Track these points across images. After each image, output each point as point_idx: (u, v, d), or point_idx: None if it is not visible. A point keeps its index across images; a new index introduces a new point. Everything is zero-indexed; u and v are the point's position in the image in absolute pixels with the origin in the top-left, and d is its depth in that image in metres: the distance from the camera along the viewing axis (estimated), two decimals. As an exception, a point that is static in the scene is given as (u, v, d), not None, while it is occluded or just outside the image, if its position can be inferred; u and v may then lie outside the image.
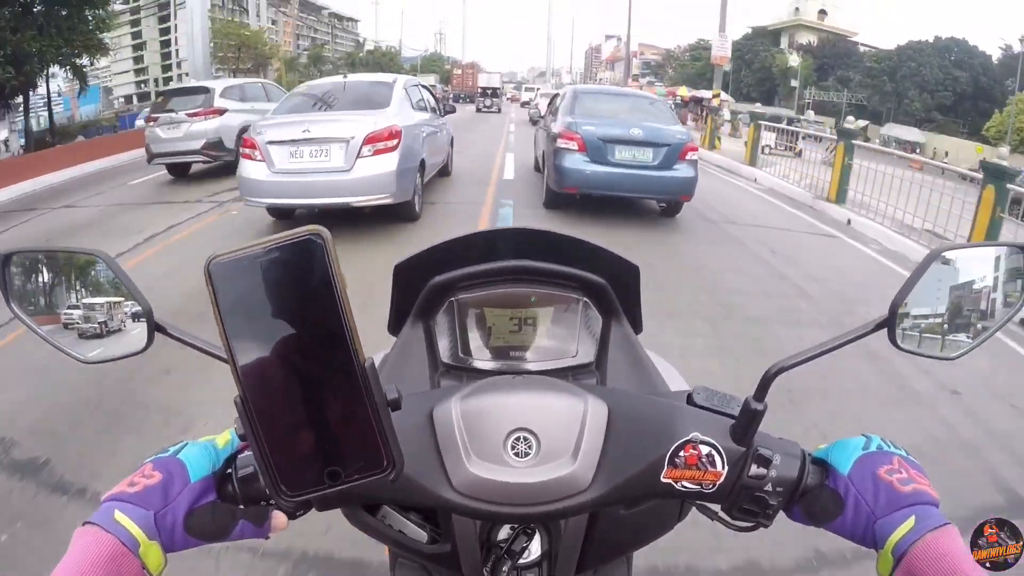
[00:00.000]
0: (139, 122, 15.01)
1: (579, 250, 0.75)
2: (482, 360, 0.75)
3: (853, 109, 40.33)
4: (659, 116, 6.40)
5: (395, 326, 0.78)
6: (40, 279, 0.55)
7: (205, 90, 8.92)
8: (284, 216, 5.70)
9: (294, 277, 0.35)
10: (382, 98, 5.54)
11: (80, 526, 0.43)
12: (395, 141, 5.01)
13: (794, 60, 46.36)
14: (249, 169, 5.09)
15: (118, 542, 0.42)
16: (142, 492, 0.45)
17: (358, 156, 4.87)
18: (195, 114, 8.43)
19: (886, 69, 41.26)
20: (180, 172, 8.95)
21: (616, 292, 0.74)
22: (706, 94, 29.32)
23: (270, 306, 0.35)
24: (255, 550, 1.82)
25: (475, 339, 0.75)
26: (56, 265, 0.55)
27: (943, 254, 0.51)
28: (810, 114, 22.03)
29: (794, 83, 43.90)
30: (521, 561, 0.58)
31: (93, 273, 0.54)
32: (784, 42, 51.61)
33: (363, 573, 1.79)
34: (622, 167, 5.81)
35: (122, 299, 0.53)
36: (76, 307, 0.54)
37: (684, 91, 32.36)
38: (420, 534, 0.61)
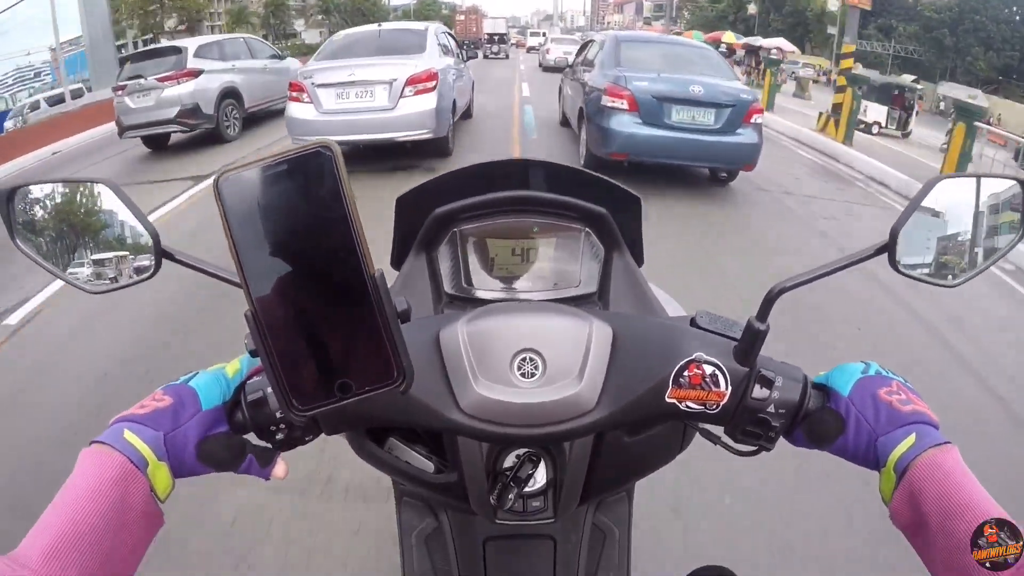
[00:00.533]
0: (8, 123, 12.55)
1: (581, 181, 0.75)
2: (485, 290, 0.75)
3: (899, 64, 35.65)
4: (717, 70, 5.49)
5: (398, 259, 0.78)
6: (46, 212, 0.53)
7: (176, 50, 7.82)
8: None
9: (303, 189, 0.34)
10: (417, 44, 6.03)
11: (86, 446, 0.43)
12: (433, 82, 5.54)
13: (833, 3, 40.85)
14: (297, 110, 5.61)
15: (127, 460, 0.42)
16: (152, 413, 0.46)
17: (401, 96, 5.40)
18: (166, 78, 7.34)
19: (946, 20, 35.42)
20: (158, 145, 7.86)
21: (618, 223, 0.74)
22: (764, 42, 26.05)
23: (280, 219, 0.35)
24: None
25: (478, 270, 0.76)
26: (61, 196, 0.54)
27: (944, 181, 0.51)
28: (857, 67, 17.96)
29: (831, 30, 37.80)
30: (527, 489, 0.58)
31: (99, 202, 0.53)
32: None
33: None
34: (679, 130, 4.97)
35: (127, 226, 0.52)
36: (82, 238, 0.53)
37: (731, 37, 29.05)
38: (426, 464, 0.62)
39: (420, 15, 50.53)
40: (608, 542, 0.75)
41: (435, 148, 5.96)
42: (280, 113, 6.64)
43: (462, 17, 54.66)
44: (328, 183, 0.34)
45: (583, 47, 7.34)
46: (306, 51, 26.23)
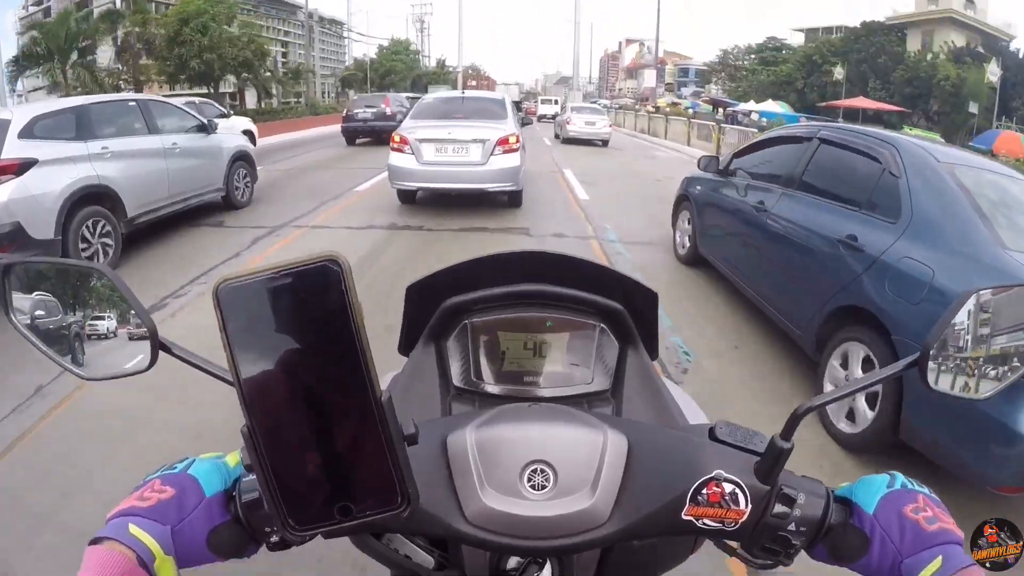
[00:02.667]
0: None
1: (596, 274, 0.75)
2: (495, 385, 0.74)
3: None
4: None
5: (406, 346, 0.78)
6: (42, 292, 0.52)
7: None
8: (408, 200, 7.32)
9: (307, 305, 0.33)
10: (499, 111, 7.31)
11: (89, 544, 0.42)
12: (517, 144, 6.74)
13: (948, 66, 32.20)
14: (400, 160, 6.75)
15: (134, 555, 0.41)
16: (156, 506, 0.45)
17: (491, 154, 6.56)
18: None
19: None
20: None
21: (633, 318, 0.74)
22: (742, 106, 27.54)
23: (281, 334, 0.34)
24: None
25: (488, 363, 0.75)
26: (57, 278, 0.52)
27: (977, 294, 0.51)
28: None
29: (973, 108, 30.74)
30: None
31: (95, 288, 0.52)
32: (914, 42, 38.08)
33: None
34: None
35: (123, 315, 0.51)
36: (77, 322, 0.52)
37: (777, 106, 28.47)
38: (427, 559, 0.60)
39: (436, 81, 51.20)
40: None
41: (513, 197, 7.11)
42: (201, 212, 6.23)
43: (473, 83, 55.77)
44: (335, 299, 0.33)
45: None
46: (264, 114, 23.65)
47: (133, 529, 0.43)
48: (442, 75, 57.97)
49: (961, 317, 0.51)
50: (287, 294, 0.34)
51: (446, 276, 0.75)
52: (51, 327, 0.52)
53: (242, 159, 7.21)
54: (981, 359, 0.53)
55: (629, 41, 76.63)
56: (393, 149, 6.85)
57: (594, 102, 35.65)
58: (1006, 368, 0.53)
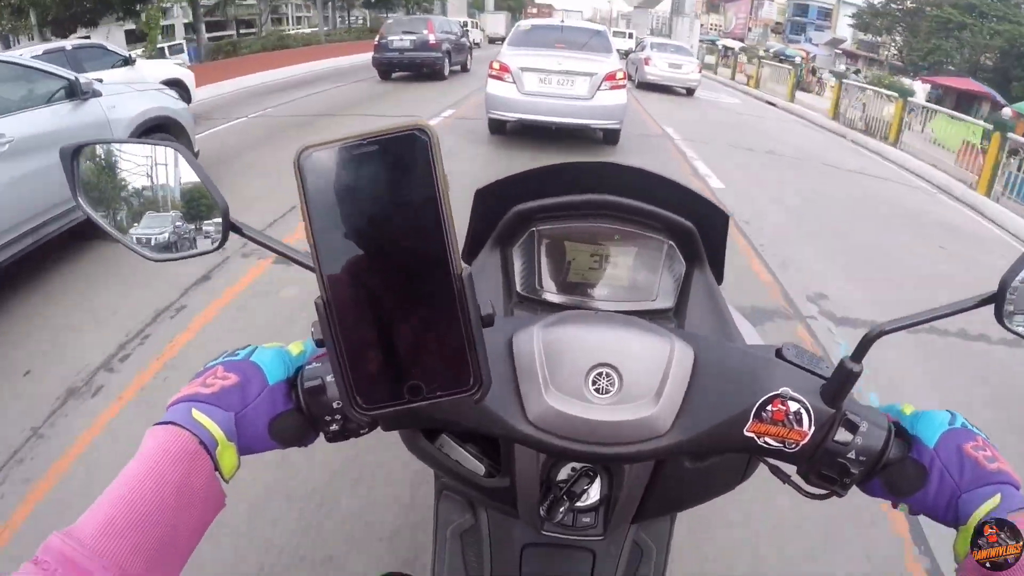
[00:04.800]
0: None
1: (669, 191, 0.73)
2: (558, 295, 0.74)
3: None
4: None
5: (470, 251, 0.78)
6: (111, 172, 0.52)
7: None
8: (499, 131, 7.13)
9: (393, 174, 0.32)
10: (603, 45, 6.97)
11: (150, 428, 0.42)
12: (624, 80, 6.45)
13: None
14: (500, 88, 6.55)
15: (196, 441, 0.41)
16: (220, 393, 0.45)
17: (598, 88, 6.30)
18: None
19: None
20: None
21: (703, 238, 0.72)
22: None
23: (364, 204, 0.33)
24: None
25: (553, 272, 0.74)
26: (128, 158, 0.51)
27: None
28: None
29: None
30: (579, 504, 0.57)
31: (168, 166, 0.51)
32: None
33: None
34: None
35: (194, 194, 0.50)
36: (147, 202, 0.51)
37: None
38: (478, 466, 0.61)
39: (477, 5, 43.85)
40: (645, 560, 0.73)
41: (609, 135, 6.89)
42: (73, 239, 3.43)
43: (534, 10, 51.63)
44: (421, 169, 0.32)
45: None
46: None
47: (196, 414, 0.43)
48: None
49: None
50: (372, 162, 0.32)
51: (516, 182, 0.74)
52: (120, 207, 0.52)
53: (159, 130, 4.33)
54: None
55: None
56: (492, 76, 6.65)
57: (712, 42, 29.57)
58: None
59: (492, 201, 0.75)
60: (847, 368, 0.48)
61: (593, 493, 0.58)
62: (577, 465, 0.58)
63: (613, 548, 0.69)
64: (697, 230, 0.72)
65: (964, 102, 22.12)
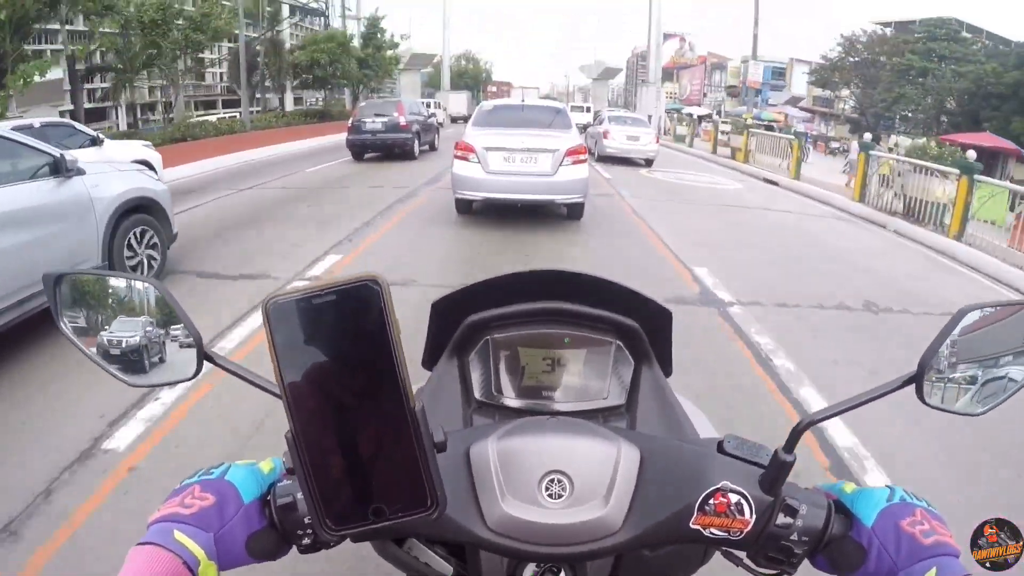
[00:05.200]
0: None
1: (613, 293, 0.77)
2: (514, 399, 0.77)
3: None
4: None
5: (430, 360, 0.82)
6: (90, 301, 0.54)
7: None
8: (466, 211, 7.22)
9: (349, 321, 0.36)
10: (563, 121, 7.24)
11: (133, 547, 0.43)
12: (585, 155, 6.68)
13: None
14: (465, 169, 6.70)
15: (180, 561, 0.43)
16: (199, 513, 0.46)
17: (560, 164, 6.48)
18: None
19: None
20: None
21: (648, 336, 0.76)
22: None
23: (325, 347, 0.36)
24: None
25: (508, 378, 0.78)
26: (106, 289, 0.54)
27: (971, 312, 0.51)
28: None
29: None
30: None
31: (144, 299, 0.54)
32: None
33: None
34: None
35: (169, 326, 0.53)
36: (125, 332, 0.53)
37: None
38: (446, 567, 0.63)
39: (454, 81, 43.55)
40: None
41: (573, 210, 7.01)
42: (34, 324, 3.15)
43: (493, 88, 52.66)
44: (374, 316, 0.36)
45: None
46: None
47: (178, 536, 0.44)
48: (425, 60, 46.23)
49: (957, 334, 0.51)
50: (330, 310, 0.36)
51: (469, 293, 0.78)
52: (99, 336, 0.55)
53: (139, 211, 4.26)
54: (977, 376, 0.54)
55: (666, 36, 47.75)
56: (457, 157, 6.82)
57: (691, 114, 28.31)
58: (1002, 385, 0.53)
59: (447, 312, 0.78)
60: (780, 459, 0.51)
61: None
62: (542, 563, 0.59)
63: None
64: (643, 328, 0.76)
65: (986, 161, 16.17)
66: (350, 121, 13.70)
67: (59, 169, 3.58)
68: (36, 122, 8.08)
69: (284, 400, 0.37)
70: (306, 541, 0.51)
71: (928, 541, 0.47)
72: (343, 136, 13.86)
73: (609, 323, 0.76)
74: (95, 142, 8.26)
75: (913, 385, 0.50)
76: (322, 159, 13.63)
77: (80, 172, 3.75)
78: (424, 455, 0.38)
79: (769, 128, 22.37)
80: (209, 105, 38.14)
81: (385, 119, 13.09)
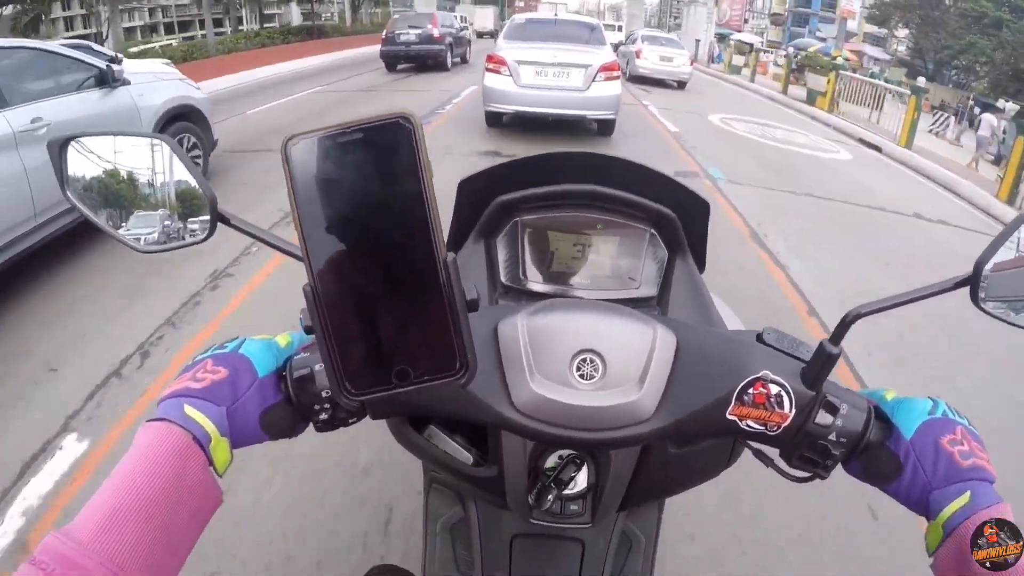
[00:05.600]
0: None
1: (650, 180, 0.73)
2: (542, 284, 0.75)
3: None
4: None
5: (455, 243, 0.78)
6: (100, 165, 0.52)
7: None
8: (495, 123, 7.25)
9: (378, 162, 0.33)
10: (597, 37, 7.13)
11: (142, 425, 0.42)
12: (618, 72, 6.62)
13: None
14: (496, 82, 6.69)
15: (189, 436, 0.41)
16: (210, 387, 0.45)
17: (593, 80, 6.45)
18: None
19: None
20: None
21: (684, 226, 0.73)
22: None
23: (350, 191, 0.33)
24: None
25: (536, 262, 0.75)
26: (116, 150, 0.51)
27: None
28: None
29: None
30: (566, 492, 0.58)
31: (157, 159, 0.51)
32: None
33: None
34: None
35: (182, 186, 0.51)
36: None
37: None
38: (465, 456, 0.61)
39: None
40: (634, 549, 0.74)
41: (604, 126, 7.05)
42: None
43: (521, 3, 51.45)
44: (405, 157, 0.33)
45: None
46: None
47: (188, 410, 0.43)
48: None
49: (1017, 238, 0.48)
50: (357, 150, 0.33)
51: (499, 173, 0.75)
52: (109, 200, 0.52)
53: (182, 119, 4.48)
54: None
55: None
56: (488, 70, 6.79)
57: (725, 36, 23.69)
58: None
59: (475, 192, 0.75)
60: (826, 351, 0.48)
61: (581, 481, 0.59)
62: (564, 453, 0.59)
63: (602, 539, 0.69)
64: (679, 219, 0.73)
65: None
66: (384, 33, 14.11)
67: (105, 80, 3.76)
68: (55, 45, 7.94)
69: (303, 250, 0.34)
70: (323, 416, 0.50)
71: (966, 463, 0.46)
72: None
73: (644, 210, 0.73)
74: (114, 61, 8.15)
75: (968, 288, 0.48)
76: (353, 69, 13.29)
77: (126, 82, 3.93)
78: (455, 313, 0.35)
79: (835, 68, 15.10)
80: (170, 30, 34.79)
81: (419, 31, 13.47)
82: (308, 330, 0.38)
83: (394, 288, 0.35)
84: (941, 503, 0.45)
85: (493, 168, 0.75)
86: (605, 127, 7.05)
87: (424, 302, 0.35)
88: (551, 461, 0.59)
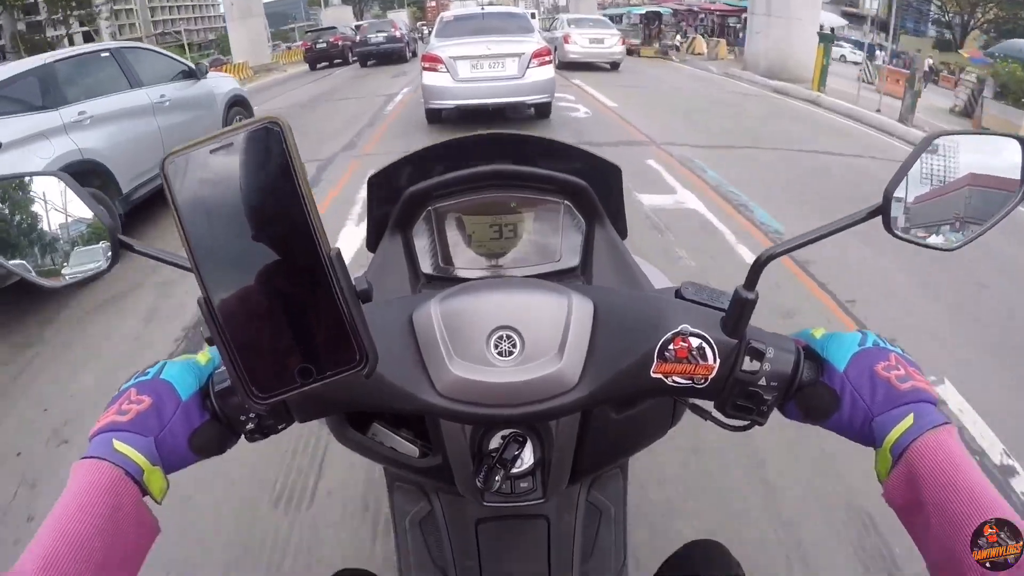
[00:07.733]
0: None
1: (560, 153, 0.74)
2: (464, 269, 0.74)
3: None
4: None
5: (373, 241, 0.77)
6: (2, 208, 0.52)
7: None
8: (435, 120, 7.43)
9: (251, 168, 0.34)
10: (526, 26, 7.48)
11: (75, 463, 0.42)
12: (550, 57, 6.97)
13: None
14: (434, 79, 6.91)
15: (121, 471, 0.42)
16: (136, 419, 0.45)
17: (528, 67, 6.77)
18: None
19: None
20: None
21: (599, 194, 0.73)
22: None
23: (229, 200, 0.34)
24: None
25: (456, 248, 0.75)
26: (13, 190, 0.51)
27: (940, 138, 0.49)
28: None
29: None
30: (514, 470, 0.57)
31: (52, 195, 0.51)
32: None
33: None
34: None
35: (80, 219, 0.51)
36: (36, 233, 0.51)
37: None
38: (411, 449, 0.62)
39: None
40: (604, 519, 0.75)
41: (541, 108, 7.39)
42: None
43: (433, 3, 52.72)
44: (277, 159, 0.33)
45: None
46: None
47: (117, 445, 0.43)
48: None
49: (921, 164, 0.49)
50: (231, 158, 0.34)
51: (406, 164, 0.75)
52: (9, 239, 0.52)
53: (238, 104, 6.44)
54: (944, 207, 0.51)
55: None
56: (425, 69, 7.00)
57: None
58: (972, 216, 0.51)
59: (386, 186, 0.76)
60: (741, 296, 0.48)
61: (527, 457, 0.58)
62: (506, 432, 0.58)
63: (567, 513, 0.70)
64: (592, 187, 0.73)
65: None
66: (356, 37, 19.26)
67: (194, 74, 5.54)
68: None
69: (191, 260, 0.34)
70: (250, 426, 0.49)
71: (904, 387, 0.46)
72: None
73: (555, 182, 0.73)
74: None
75: (880, 217, 0.48)
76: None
77: (205, 75, 5.70)
78: (347, 305, 0.36)
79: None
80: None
81: (385, 33, 18.46)
82: (209, 341, 0.39)
83: (285, 288, 0.35)
84: (885, 427, 0.45)
85: (401, 160, 0.76)
86: (543, 109, 7.39)
87: (316, 299, 0.36)
88: (495, 442, 0.58)
